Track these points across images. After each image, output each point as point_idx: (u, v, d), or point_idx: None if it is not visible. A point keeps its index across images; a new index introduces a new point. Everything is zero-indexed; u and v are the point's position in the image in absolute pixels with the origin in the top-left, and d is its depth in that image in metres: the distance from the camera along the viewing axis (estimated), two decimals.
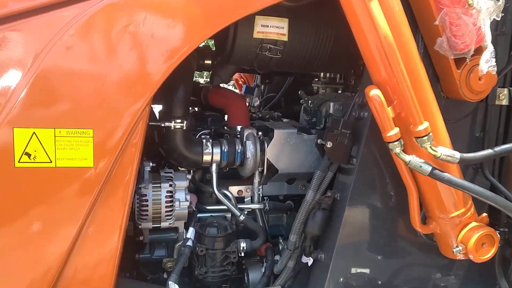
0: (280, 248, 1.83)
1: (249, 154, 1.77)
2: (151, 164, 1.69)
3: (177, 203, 1.68)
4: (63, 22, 1.22)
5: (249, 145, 1.77)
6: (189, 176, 1.77)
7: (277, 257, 1.79)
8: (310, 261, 1.68)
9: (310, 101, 2.05)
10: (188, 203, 1.71)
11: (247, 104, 2.75)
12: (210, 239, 1.71)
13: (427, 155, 1.34)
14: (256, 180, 1.88)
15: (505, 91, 1.59)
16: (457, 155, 1.33)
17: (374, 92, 1.30)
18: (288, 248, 1.65)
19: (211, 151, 1.75)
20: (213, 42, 2.09)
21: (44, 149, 1.25)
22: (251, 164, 1.78)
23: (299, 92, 2.17)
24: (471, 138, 1.63)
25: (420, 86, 1.35)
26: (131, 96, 1.30)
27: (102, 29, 1.25)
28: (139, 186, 1.62)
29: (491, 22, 1.33)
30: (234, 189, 1.91)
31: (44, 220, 1.29)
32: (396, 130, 1.32)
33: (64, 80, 1.24)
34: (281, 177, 1.89)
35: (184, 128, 1.65)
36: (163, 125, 1.63)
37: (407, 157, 1.34)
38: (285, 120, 2.28)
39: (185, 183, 1.73)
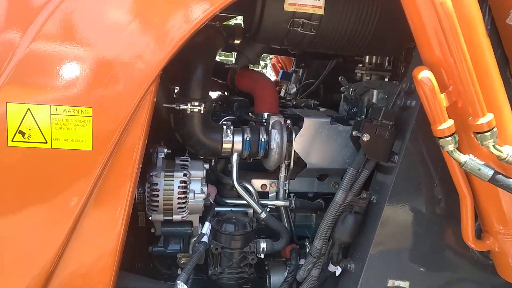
0: (307, 251, 1.69)
1: (273, 144, 1.61)
2: (166, 150, 1.58)
3: (191, 195, 1.56)
4: None
5: (275, 134, 1.61)
6: (207, 166, 1.65)
7: (302, 261, 1.67)
8: (338, 270, 1.56)
9: (351, 89, 1.88)
10: (203, 196, 1.59)
11: (281, 90, 2.59)
12: (226, 237, 1.59)
13: (489, 155, 1.18)
14: (282, 174, 1.73)
15: None
16: None
17: (424, 74, 1.12)
18: (312, 255, 1.51)
19: (231, 139, 1.62)
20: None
21: (39, 127, 1.19)
22: (276, 156, 1.63)
23: (340, 78, 1.98)
24: None
25: (485, 69, 1.17)
26: (135, 71, 1.18)
27: None
28: (151, 173, 1.51)
29: None
30: (257, 183, 1.77)
31: (38, 206, 1.23)
32: (450, 122, 1.15)
33: (61, 52, 1.15)
34: (311, 172, 1.73)
35: (202, 112, 1.52)
36: (178, 107, 1.50)
37: (463, 157, 1.18)
38: (322, 109, 2.12)
39: (201, 173, 1.61)
